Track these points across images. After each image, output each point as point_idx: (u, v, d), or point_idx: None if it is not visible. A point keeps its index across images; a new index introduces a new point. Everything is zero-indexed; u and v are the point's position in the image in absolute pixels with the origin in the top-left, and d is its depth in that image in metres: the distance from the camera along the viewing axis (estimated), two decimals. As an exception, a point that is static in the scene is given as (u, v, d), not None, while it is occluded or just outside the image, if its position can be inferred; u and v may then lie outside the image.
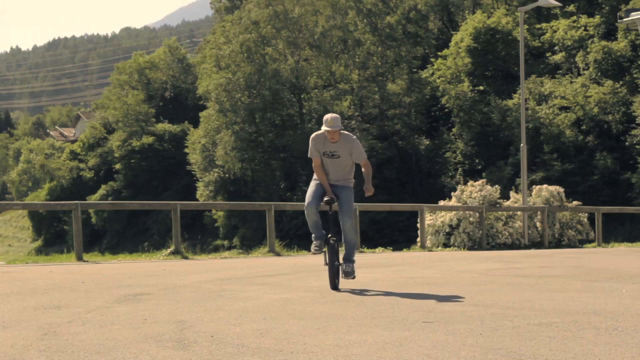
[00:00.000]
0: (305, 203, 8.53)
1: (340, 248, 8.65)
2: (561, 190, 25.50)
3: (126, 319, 6.35)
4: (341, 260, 8.53)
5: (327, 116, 8.32)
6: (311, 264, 12.84)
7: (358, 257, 15.84)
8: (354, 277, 8.57)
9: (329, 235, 8.43)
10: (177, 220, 16.06)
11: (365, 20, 47.85)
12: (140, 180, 61.87)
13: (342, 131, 8.39)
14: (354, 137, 8.51)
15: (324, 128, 8.26)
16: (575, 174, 36.92)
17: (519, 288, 8.78)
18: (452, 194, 24.33)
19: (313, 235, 8.62)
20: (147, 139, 62.57)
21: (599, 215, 25.72)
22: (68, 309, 6.95)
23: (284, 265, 12.99)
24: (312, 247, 8.63)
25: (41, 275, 10.60)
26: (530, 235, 23.67)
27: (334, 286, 8.35)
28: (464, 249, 21.71)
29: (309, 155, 8.59)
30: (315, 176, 8.67)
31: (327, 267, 8.50)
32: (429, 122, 46.54)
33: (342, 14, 48.30)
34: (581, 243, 24.88)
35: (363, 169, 8.69)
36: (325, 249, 8.52)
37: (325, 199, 8.45)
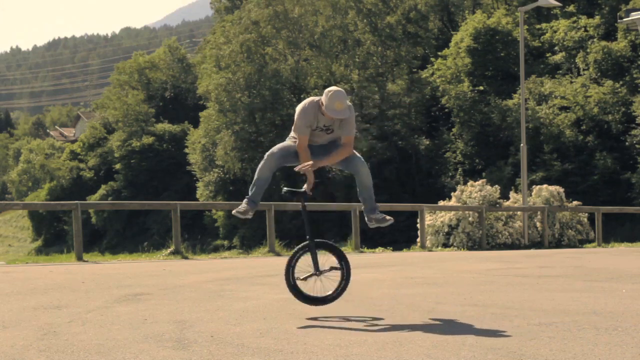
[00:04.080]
0: (269, 151, 6.69)
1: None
2: (561, 190, 25.51)
3: (126, 319, 6.35)
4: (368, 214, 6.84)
5: (334, 94, 6.24)
6: (311, 264, 12.81)
7: (358, 257, 15.87)
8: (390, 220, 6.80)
9: (307, 240, 6.60)
10: (177, 220, 16.06)
11: (365, 20, 47.85)
12: (140, 180, 61.89)
13: None
14: (350, 104, 6.51)
15: (329, 110, 6.27)
16: (575, 174, 36.91)
17: (519, 288, 8.78)
18: (452, 194, 24.35)
19: (249, 194, 6.78)
20: (147, 139, 62.58)
21: (599, 215, 25.73)
22: (68, 309, 6.95)
23: (284, 265, 12.97)
24: (241, 208, 6.72)
25: (41, 275, 10.60)
26: (530, 235, 23.67)
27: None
28: (463, 249, 21.72)
29: (295, 132, 6.58)
30: (291, 135, 6.76)
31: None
32: (429, 122, 46.53)
33: (342, 14, 48.31)
34: (581, 243, 24.89)
35: (339, 148, 6.63)
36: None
37: (302, 189, 6.59)
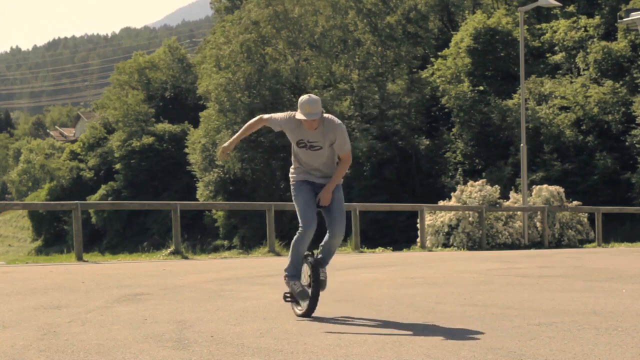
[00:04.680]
0: (302, 224, 6.39)
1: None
2: (561, 190, 25.50)
3: (126, 319, 6.35)
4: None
5: (304, 99, 6.28)
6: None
7: (358, 257, 15.87)
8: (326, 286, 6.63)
9: (305, 254, 6.54)
10: (177, 220, 16.06)
11: (365, 20, 47.84)
12: (140, 180, 61.89)
13: (323, 114, 6.37)
14: (339, 121, 6.48)
15: (299, 116, 6.27)
16: (575, 174, 36.90)
17: (519, 288, 8.78)
18: (452, 194, 24.34)
19: (291, 272, 6.57)
20: (147, 139, 62.57)
21: (599, 215, 25.71)
22: (68, 309, 6.95)
23: (284, 265, 12.97)
24: (296, 289, 6.42)
25: (41, 275, 10.60)
26: (530, 235, 23.67)
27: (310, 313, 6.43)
28: (463, 249, 21.72)
29: (267, 116, 6.67)
30: (293, 174, 6.66)
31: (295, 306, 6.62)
32: (429, 122, 46.52)
33: (342, 14, 48.29)
34: (581, 243, 24.88)
35: (338, 165, 6.59)
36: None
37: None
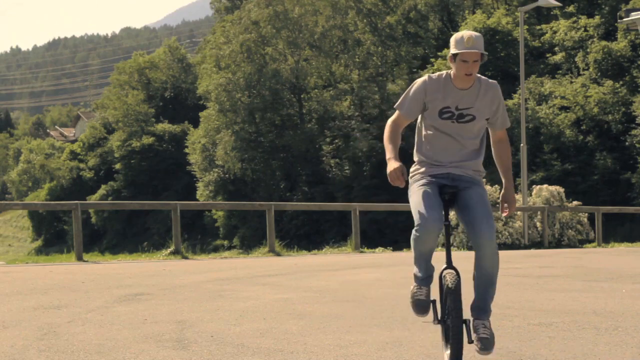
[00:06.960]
0: (421, 217, 4.47)
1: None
2: (561, 190, 25.49)
3: (126, 319, 6.35)
4: (470, 315, 4.78)
5: (461, 32, 4.47)
6: (311, 264, 12.84)
7: (359, 257, 15.84)
8: (492, 349, 4.60)
9: (445, 269, 4.78)
10: (177, 220, 16.05)
11: (365, 20, 47.86)
12: (140, 180, 61.93)
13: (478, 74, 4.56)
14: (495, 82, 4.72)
15: (454, 50, 4.42)
16: (575, 174, 36.90)
17: (519, 288, 8.77)
18: (452, 194, 24.31)
19: (417, 272, 4.85)
20: (147, 139, 62.63)
21: (599, 215, 25.71)
22: (68, 309, 6.95)
23: (284, 265, 12.98)
24: (415, 295, 4.83)
25: (41, 275, 10.59)
26: (530, 235, 23.66)
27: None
28: (463, 249, 21.72)
29: (396, 106, 4.82)
30: (414, 170, 4.87)
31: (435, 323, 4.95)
32: (429, 122, 46.50)
33: (342, 14, 48.32)
34: (581, 243, 24.86)
35: (496, 151, 4.95)
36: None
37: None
